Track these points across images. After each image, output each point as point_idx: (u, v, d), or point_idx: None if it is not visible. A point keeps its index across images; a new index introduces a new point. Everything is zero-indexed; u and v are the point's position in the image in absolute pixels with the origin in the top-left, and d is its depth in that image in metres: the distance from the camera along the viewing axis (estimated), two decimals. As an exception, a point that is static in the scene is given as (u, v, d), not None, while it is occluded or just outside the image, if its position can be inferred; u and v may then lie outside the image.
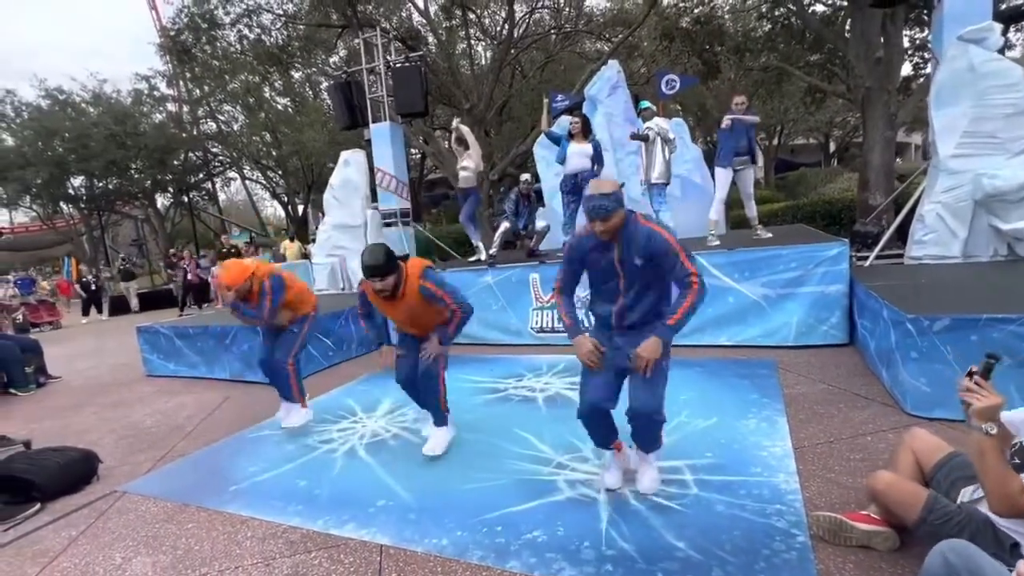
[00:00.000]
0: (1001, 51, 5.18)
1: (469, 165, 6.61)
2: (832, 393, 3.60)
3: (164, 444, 4.00)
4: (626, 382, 2.46)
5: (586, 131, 5.86)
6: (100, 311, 14.70)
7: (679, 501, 2.43)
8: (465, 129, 6.74)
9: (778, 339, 4.75)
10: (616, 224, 2.27)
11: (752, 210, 5.84)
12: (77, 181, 22.10)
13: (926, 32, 11.95)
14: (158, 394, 5.56)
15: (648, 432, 2.46)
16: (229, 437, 3.97)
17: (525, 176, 6.90)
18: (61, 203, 23.23)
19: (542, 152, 8.83)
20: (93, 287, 14.52)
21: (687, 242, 5.11)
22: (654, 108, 6.19)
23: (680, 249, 2.27)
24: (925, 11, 10.84)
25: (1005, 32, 5.34)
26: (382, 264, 2.78)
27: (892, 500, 1.86)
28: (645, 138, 5.63)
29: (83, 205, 23.21)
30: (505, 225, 6.52)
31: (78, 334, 11.81)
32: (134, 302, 14.72)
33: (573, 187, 5.88)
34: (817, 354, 4.47)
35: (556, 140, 6.03)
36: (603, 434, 2.58)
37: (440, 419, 3.26)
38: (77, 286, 14.68)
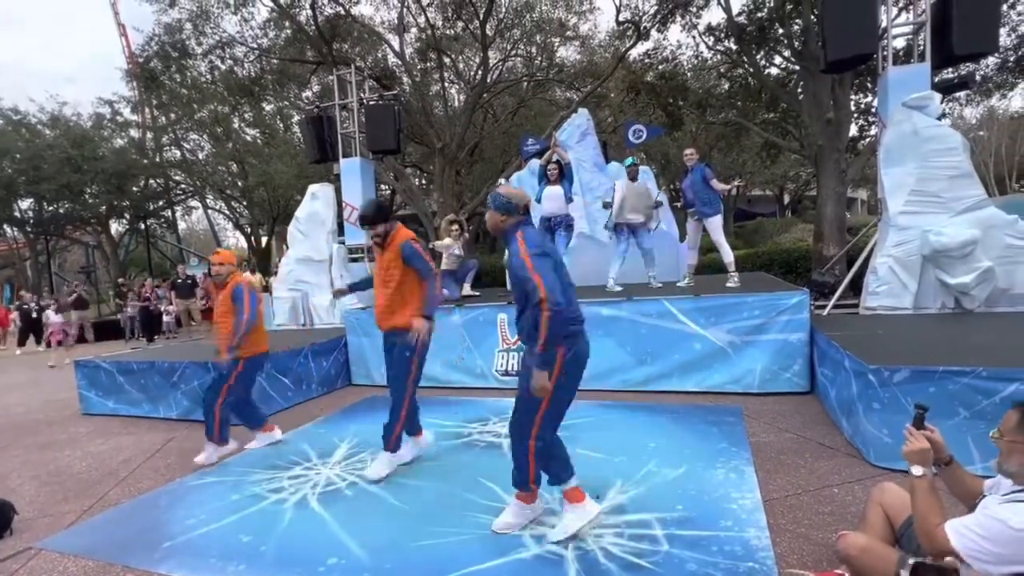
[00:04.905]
0: (940, 118, 5.58)
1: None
2: (797, 442, 3.61)
3: (93, 492, 3.65)
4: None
5: (562, 175, 6.00)
6: (38, 342, 13.74)
7: (650, 559, 2.32)
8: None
9: (743, 386, 4.78)
10: (492, 223, 2.52)
11: (725, 256, 5.78)
12: (25, 204, 21.06)
13: (870, 97, 12.89)
14: (93, 435, 5.13)
15: (515, 458, 2.59)
16: (168, 484, 3.66)
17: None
18: (5, 226, 21.99)
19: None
20: (33, 315, 13.61)
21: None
22: (638, 163, 6.37)
23: (534, 274, 2.27)
24: (869, 78, 11.71)
25: (942, 102, 5.77)
26: (370, 214, 3.23)
27: (864, 565, 1.85)
28: (658, 203, 6.17)
29: (29, 229, 22.04)
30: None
31: (11, 366, 10.97)
32: (87, 334, 13.73)
33: (547, 229, 5.97)
34: (780, 401, 4.51)
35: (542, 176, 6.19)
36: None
37: (388, 444, 3.45)
38: (16, 313, 13.71)
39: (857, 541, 1.89)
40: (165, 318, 13.05)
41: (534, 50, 17.37)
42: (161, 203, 24.32)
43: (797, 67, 11.58)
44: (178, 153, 22.88)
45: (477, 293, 7.02)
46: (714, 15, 25.33)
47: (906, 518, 1.96)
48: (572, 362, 2.40)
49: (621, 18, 14.28)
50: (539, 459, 2.53)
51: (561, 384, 2.39)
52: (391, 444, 3.46)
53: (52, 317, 10.85)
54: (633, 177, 6.02)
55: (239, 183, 21.77)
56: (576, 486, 2.55)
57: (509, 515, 2.67)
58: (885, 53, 6.18)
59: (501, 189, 2.57)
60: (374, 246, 3.40)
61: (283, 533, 2.82)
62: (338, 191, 9.32)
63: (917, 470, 1.74)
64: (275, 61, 15.59)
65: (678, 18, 13.06)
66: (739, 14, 11.96)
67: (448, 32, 15.59)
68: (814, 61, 9.51)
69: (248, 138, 21.46)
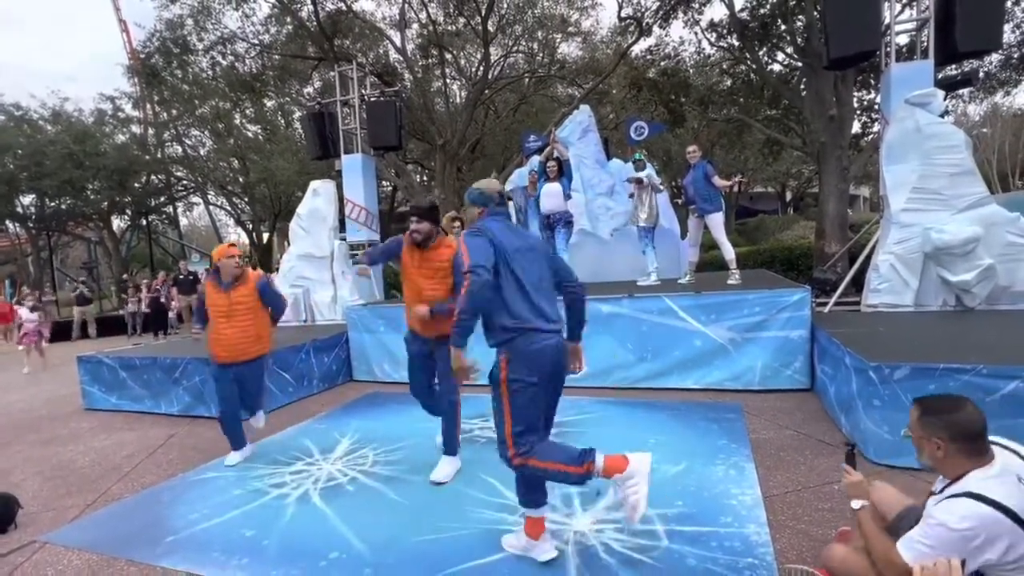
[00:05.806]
0: (942, 116, 5.57)
1: None
2: (797, 439, 3.61)
3: (96, 487, 3.67)
4: None
5: (561, 172, 6.01)
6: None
7: (650, 554, 2.33)
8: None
9: (743, 383, 4.78)
10: (471, 219, 2.43)
11: (726, 254, 5.73)
12: (27, 199, 21.09)
13: (873, 94, 12.85)
14: (96, 430, 5.16)
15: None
16: (170, 479, 3.68)
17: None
18: (7, 222, 22.02)
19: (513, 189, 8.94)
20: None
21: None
22: (644, 159, 6.42)
23: (462, 248, 2.21)
24: (872, 75, 11.67)
25: (945, 99, 5.76)
26: (422, 207, 3.12)
27: (845, 573, 1.85)
28: (640, 181, 6.04)
29: (31, 224, 22.07)
30: None
31: (12, 362, 11.00)
32: (89, 329, 13.77)
33: (546, 226, 6.02)
34: (781, 398, 4.51)
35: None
36: None
37: (452, 448, 3.39)
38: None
39: (836, 552, 1.89)
40: (169, 314, 13.09)
41: (536, 46, 17.32)
42: (163, 199, 24.32)
43: (800, 64, 11.54)
44: (180, 149, 22.90)
45: None
46: (716, 11, 25.18)
47: (896, 515, 1.96)
48: (515, 363, 2.21)
49: (623, 14, 14.23)
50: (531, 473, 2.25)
51: (514, 389, 2.20)
52: (455, 447, 3.39)
53: (26, 315, 9.65)
54: (639, 168, 6.15)
55: (240, 179, 21.78)
56: (542, 517, 2.36)
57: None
58: (888, 50, 6.15)
59: (475, 184, 2.47)
60: (410, 241, 3.20)
61: (285, 528, 2.84)
62: (340, 187, 9.32)
63: (855, 504, 1.80)
64: (276, 57, 15.56)
65: (680, 14, 13.02)
66: (742, 10, 11.93)
67: (450, 28, 15.55)
68: (817, 58, 9.49)
69: (249, 134, 21.46)
